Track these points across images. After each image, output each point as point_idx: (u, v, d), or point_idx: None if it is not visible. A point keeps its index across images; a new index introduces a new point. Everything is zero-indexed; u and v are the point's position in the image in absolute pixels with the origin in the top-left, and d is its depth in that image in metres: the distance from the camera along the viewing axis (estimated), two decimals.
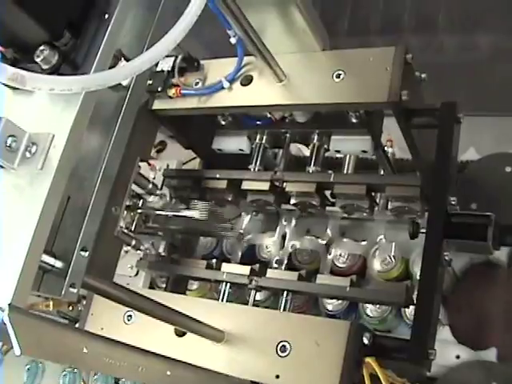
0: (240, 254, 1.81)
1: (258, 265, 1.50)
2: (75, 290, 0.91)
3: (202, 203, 1.62)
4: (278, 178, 1.52)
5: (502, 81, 2.28)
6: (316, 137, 1.54)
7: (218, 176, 1.59)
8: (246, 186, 1.57)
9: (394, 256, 1.58)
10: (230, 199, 1.61)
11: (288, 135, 1.62)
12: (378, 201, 1.49)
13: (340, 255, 1.65)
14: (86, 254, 0.94)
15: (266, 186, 1.53)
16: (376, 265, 1.60)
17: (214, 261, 1.57)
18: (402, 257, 1.60)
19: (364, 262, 1.64)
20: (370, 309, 1.58)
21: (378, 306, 1.56)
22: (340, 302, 1.62)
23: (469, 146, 1.91)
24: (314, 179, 1.49)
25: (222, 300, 1.52)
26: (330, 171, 1.52)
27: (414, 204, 1.39)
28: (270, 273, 1.50)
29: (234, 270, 1.53)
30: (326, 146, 1.53)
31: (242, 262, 1.79)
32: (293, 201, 1.53)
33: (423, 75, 1.35)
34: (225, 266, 1.55)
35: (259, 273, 1.49)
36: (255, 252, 1.78)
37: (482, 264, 1.67)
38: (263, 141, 1.62)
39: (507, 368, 1.52)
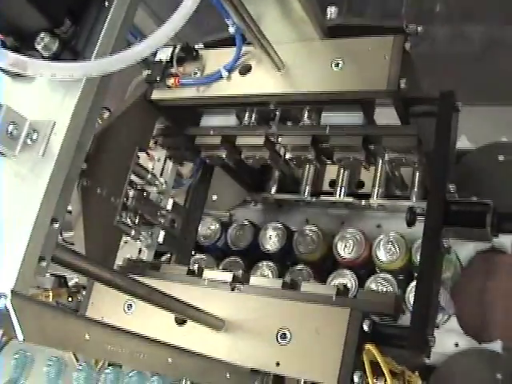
0: (244, 244, 1.81)
1: (240, 271, 1.46)
2: (44, 264, 0.85)
3: None
4: (272, 133, 1.51)
5: (493, 71, 2.29)
6: (306, 113, 1.50)
7: (211, 133, 1.58)
8: (240, 141, 1.56)
9: (398, 246, 1.59)
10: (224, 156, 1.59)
11: (278, 113, 1.57)
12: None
13: (345, 246, 1.65)
14: (57, 225, 0.87)
15: (260, 140, 1.52)
16: (381, 255, 1.60)
17: (196, 267, 1.53)
18: (406, 247, 1.59)
19: (369, 252, 1.63)
20: None
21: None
22: None
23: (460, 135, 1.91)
24: (310, 132, 1.48)
25: None
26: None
27: (411, 155, 1.39)
28: (253, 280, 1.44)
29: (216, 276, 1.46)
30: (314, 123, 1.49)
31: (246, 253, 1.80)
32: (288, 155, 1.52)
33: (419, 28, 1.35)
34: (207, 273, 1.49)
35: (242, 279, 1.44)
36: (259, 243, 1.79)
37: (486, 252, 1.67)
38: (252, 119, 1.59)
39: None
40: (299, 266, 1.70)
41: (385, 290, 1.56)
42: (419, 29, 1.34)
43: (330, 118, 1.46)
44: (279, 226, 1.77)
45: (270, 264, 1.74)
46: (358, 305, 1.27)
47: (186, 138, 1.64)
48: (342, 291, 1.33)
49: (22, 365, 1.58)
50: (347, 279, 1.62)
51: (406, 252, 1.58)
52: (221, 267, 1.78)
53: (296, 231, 1.74)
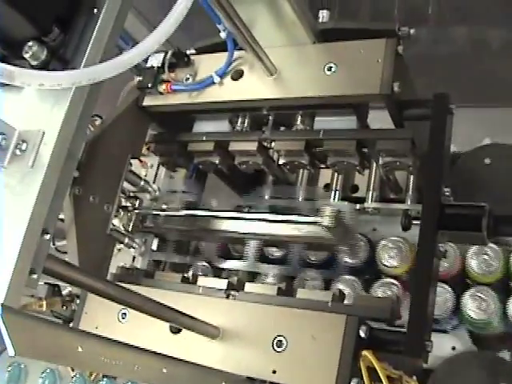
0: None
1: (235, 278, 1.43)
2: (35, 276, 0.83)
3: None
4: (265, 138, 1.49)
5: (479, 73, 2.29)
6: (299, 118, 1.49)
7: (204, 139, 1.56)
8: (233, 147, 1.54)
9: (495, 257, 1.52)
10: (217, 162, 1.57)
11: (271, 118, 1.55)
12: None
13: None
14: (48, 237, 0.85)
15: (253, 146, 1.49)
16: (475, 267, 1.54)
17: (191, 274, 1.51)
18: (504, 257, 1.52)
19: (463, 264, 1.56)
20: (475, 311, 1.50)
21: (483, 308, 1.49)
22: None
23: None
24: (303, 136, 1.46)
25: None
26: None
27: (406, 158, 1.37)
28: (248, 287, 1.42)
29: (211, 283, 1.44)
30: (308, 128, 1.48)
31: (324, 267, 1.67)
32: (281, 160, 1.49)
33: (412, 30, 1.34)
34: (201, 280, 1.48)
35: (237, 287, 1.41)
36: (335, 257, 1.65)
37: None
38: (245, 124, 1.57)
39: None
40: (386, 280, 1.58)
41: (484, 304, 1.49)
42: (412, 31, 1.34)
43: (323, 122, 1.44)
44: (360, 236, 1.64)
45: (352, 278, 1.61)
46: (355, 311, 1.25)
47: (179, 145, 1.62)
48: (338, 297, 1.32)
49: (15, 378, 1.56)
50: (441, 293, 1.53)
51: (504, 262, 1.52)
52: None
53: (378, 242, 1.62)
